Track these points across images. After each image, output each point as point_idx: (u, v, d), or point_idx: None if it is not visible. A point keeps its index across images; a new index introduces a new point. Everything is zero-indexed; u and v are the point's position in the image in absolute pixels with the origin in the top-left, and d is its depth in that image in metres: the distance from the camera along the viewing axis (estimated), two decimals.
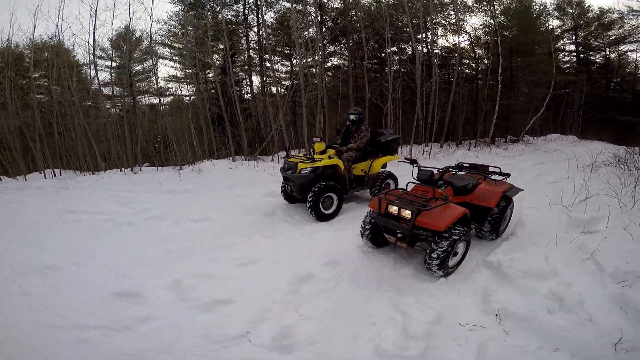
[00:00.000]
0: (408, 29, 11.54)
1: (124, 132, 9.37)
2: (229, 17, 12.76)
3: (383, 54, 13.78)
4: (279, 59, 14.74)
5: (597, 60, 18.31)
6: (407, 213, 3.34)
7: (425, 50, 12.29)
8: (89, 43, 9.18)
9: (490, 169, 4.72)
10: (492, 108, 12.10)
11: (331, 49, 14.36)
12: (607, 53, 17.92)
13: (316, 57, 10.70)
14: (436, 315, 2.77)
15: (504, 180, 4.47)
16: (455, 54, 12.38)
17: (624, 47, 17.72)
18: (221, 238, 4.61)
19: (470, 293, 3.12)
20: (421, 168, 3.92)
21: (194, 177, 7.95)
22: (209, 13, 11.35)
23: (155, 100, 14.58)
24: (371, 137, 5.85)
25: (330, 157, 5.23)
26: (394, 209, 3.48)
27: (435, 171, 4.04)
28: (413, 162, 4.08)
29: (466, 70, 14.41)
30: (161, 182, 7.33)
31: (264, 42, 12.50)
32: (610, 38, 17.40)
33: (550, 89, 12.54)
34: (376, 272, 3.59)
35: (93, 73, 10.08)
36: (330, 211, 5.17)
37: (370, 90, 11.50)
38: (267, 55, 12.72)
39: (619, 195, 4.95)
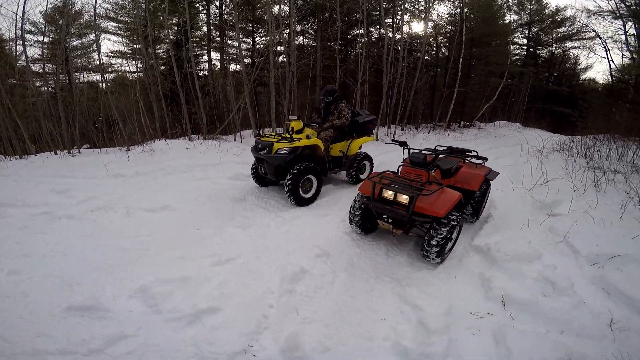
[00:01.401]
0: (377, 12, 11.28)
1: (57, 111, 7.99)
2: None
3: (349, 36, 13.47)
4: (240, 35, 13.73)
5: (543, 54, 19.88)
6: (404, 198, 3.10)
7: (390, 35, 12.13)
8: (17, 15, 7.63)
9: (467, 152, 4.67)
10: (450, 94, 12.46)
11: (298, 27, 13.72)
12: (553, 48, 19.51)
13: (285, 34, 9.99)
14: (448, 306, 2.64)
15: (483, 164, 4.43)
16: (418, 40, 12.45)
17: (569, 44, 19.44)
18: (186, 231, 3.98)
19: (467, 279, 3.06)
20: (413, 150, 3.70)
21: (145, 159, 6.99)
22: None
23: (95, 77, 12.92)
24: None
25: (308, 137, 4.81)
26: (389, 194, 3.22)
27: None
28: (403, 144, 3.82)
29: (426, 58, 14.74)
30: (106, 165, 6.32)
31: (227, 17, 11.43)
32: (559, 35, 18.91)
33: (503, 79, 13.25)
34: (370, 262, 3.35)
35: (20, 49, 8.47)
36: (309, 195, 4.79)
37: (341, 71, 11.11)
38: (231, 33, 11.69)
39: (572, 180, 5.26)
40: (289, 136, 4.69)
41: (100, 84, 11.42)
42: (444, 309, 2.60)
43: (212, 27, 13.41)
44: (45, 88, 10.67)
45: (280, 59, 10.61)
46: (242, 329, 2.28)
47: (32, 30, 11.43)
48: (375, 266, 3.28)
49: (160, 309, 2.44)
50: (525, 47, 19.56)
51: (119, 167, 6.33)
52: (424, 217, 3.16)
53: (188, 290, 2.67)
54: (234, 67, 13.93)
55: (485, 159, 4.50)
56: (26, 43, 8.36)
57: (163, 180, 5.85)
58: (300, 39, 14.46)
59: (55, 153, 7.19)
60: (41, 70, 10.81)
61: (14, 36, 8.61)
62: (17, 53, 9.55)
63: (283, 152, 4.49)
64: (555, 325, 2.39)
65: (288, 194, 4.53)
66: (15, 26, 7.96)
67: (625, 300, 2.55)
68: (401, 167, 3.63)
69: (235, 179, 5.89)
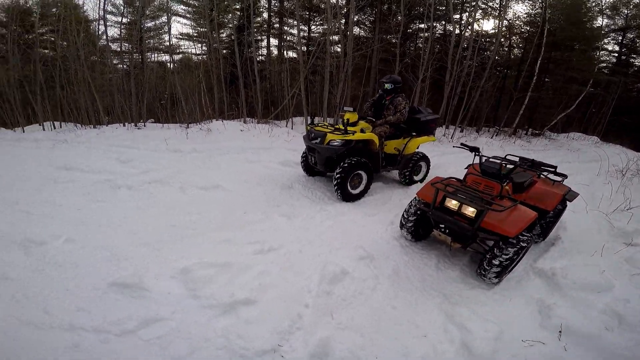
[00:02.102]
0: (442, 7, 10.48)
1: (129, 87, 8.64)
2: None
3: (410, 30, 12.82)
4: (296, 23, 13.83)
5: (638, 63, 17.18)
6: (470, 211, 2.76)
7: (458, 31, 11.28)
8: None
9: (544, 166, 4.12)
10: (522, 98, 11.29)
11: (355, 18, 13.40)
12: None
13: (342, 23, 9.73)
14: (498, 330, 2.34)
15: (562, 182, 3.85)
16: (488, 39, 11.40)
17: None
18: (234, 213, 3.95)
19: (524, 304, 2.71)
20: (486, 158, 3.30)
21: (202, 137, 7.20)
22: None
23: (164, 58, 13.84)
24: (409, 113, 5.12)
25: (362, 131, 4.54)
26: (453, 204, 2.89)
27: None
28: (474, 149, 3.38)
29: (497, 58, 13.59)
30: (166, 140, 6.61)
31: (287, 4, 11.44)
32: None
33: (587, 87, 11.67)
34: (418, 272, 3.06)
35: (102, 29, 9.35)
36: (357, 191, 4.54)
37: (402, 65, 10.58)
38: (290, 20, 11.72)
39: None
40: (342, 128, 4.48)
41: (168, 64, 12.13)
42: (493, 333, 2.30)
43: (272, 14, 13.60)
44: (121, 65, 11.56)
45: (336, 49, 10.29)
46: (275, 325, 2.16)
47: (113, 11, 12.49)
48: (423, 277, 2.99)
49: (199, 294, 2.39)
50: (617, 54, 16.99)
51: (178, 143, 6.60)
52: (490, 233, 2.81)
53: (228, 277, 2.60)
54: (290, 54, 13.96)
55: (565, 176, 3.92)
56: (107, 23, 9.11)
57: (218, 159, 5.96)
58: (356, 30, 14.08)
59: (124, 125, 7.73)
60: (119, 49, 11.77)
61: (97, 17, 9.40)
62: (99, 32, 10.44)
63: (335, 143, 4.29)
64: None
65: (335, 187, 4.34)
66: (99, 7, 8.69)
67: None
68: (468, 175, 3.25)
69: (285, 164, 5.83)
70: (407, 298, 2.70)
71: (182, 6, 13.49)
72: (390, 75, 5.09)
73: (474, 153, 3.36)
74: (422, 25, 12.26)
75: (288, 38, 14.18)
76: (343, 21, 9.88)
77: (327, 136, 4.31)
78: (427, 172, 5.53)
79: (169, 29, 9.68)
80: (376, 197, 4.75)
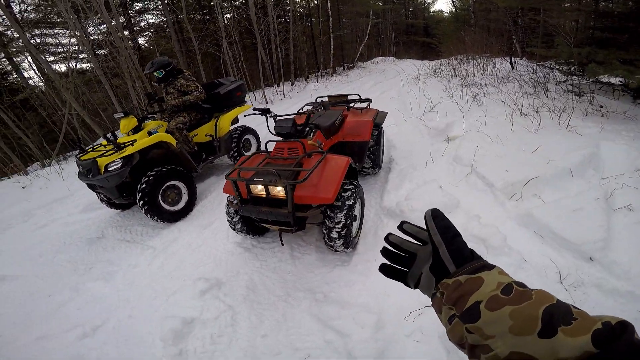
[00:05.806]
0: None
1: None
2: None
3: (212, 2, 11.23)
4: (61, 30, 9.68)
5: None
6: (278, 190, 2.05)
7: None
8: None
9: (350, 97, 3.75)
10: (328, 41, 11.43)
11: (139, 5, 10.90)
12: None
13: (121, 19, 7.23)
14: (376, 319, 1.81)
15: (368, 107, 3.52)
16: None
17: None
18: (37, 301, 2.54)
19: None
20: (277, 117, 2.58)
21: None
22: None
23: None
24: (206, 91, 4.01)
25: (152, 132, 3.29)
26: (259, 189, 2.12)
27: (294, 115, 2.89)
28: (264, 112, 2.60)
29: (300, 9, 13.12)
30: None
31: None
32: None
33: (369, 18, 12.49)
34: (276, 275, 2.35)
35: None
36: (181, 206, 3.34)
37: (198, 40, 8.93)
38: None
39: (455, 99, 4.91)
40: (113, 142, 3.12)
41: None
42: (370, 327, 1.77)
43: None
44: None
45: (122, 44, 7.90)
46: None
47: None
48: (283, 279, 2.30)
49: None
50: None
51: None
52: (313, 209, 2.16)
53: None
54: (61, 67, 10.09)
55: (369, 100, 3.58)
56: None
57: None
58: (149, 17, 11.59)
59: None
60: None
61: None
62: None
63: (114, 166, 2.93)
64: None
65: (148, 215, 3.08)
66: None
67: (562, 243, 1.96)
68: (273, 142, 2.44)
69: (89, 210, 4.01)
70: (274, 317, 2.00)
71: None
72: (152, 61, 3.76)
73: (266, 116, 2.59)
74: None
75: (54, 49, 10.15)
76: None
77: (99, 162, 2.92)
78: (259, 143, 4.64)
79: None
80: (211, 197, 3.66)
